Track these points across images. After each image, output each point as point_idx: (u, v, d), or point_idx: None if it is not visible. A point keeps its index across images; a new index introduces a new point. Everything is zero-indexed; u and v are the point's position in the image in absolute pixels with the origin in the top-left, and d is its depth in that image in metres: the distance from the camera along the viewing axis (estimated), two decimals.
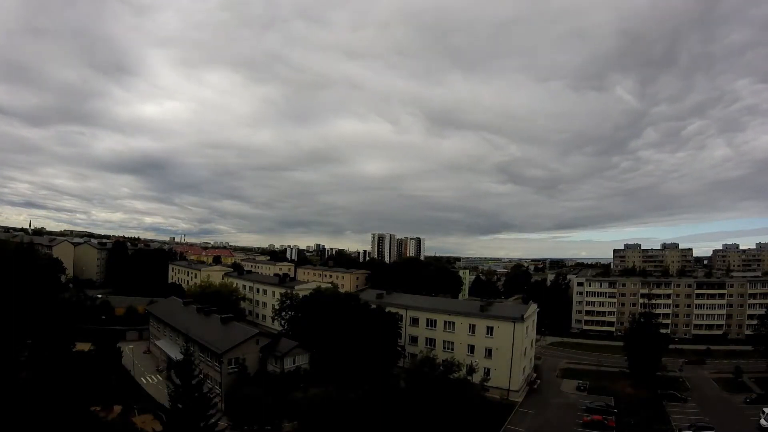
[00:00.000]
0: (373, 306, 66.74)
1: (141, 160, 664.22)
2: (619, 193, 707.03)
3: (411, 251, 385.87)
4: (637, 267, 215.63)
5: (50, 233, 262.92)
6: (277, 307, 77.68)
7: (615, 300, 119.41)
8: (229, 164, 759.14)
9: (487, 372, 59.05)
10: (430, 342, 68.61)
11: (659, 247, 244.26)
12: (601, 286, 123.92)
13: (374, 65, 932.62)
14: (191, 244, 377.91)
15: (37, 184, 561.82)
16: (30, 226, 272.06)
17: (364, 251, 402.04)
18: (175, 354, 51.45)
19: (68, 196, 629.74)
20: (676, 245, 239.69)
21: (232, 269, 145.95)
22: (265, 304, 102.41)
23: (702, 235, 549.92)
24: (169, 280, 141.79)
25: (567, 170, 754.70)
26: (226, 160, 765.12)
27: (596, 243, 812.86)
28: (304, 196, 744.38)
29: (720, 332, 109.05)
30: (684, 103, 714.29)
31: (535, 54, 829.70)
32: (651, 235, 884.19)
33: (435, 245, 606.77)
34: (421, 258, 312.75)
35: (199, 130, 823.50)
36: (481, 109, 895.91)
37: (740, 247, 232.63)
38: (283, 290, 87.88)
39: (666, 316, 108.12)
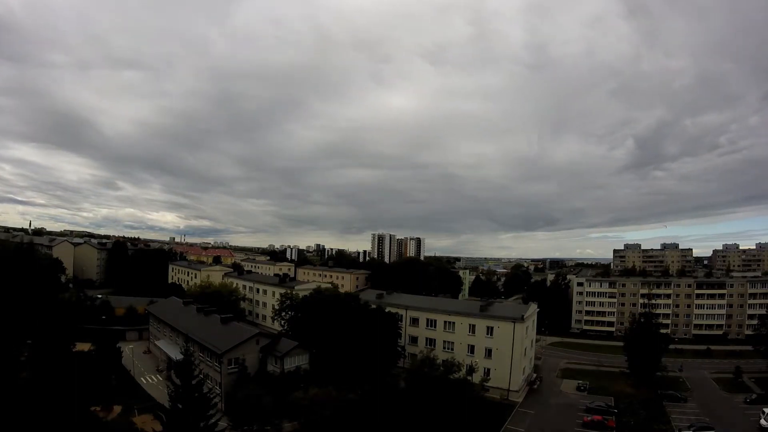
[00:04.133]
0: (373, 306, 66.77)
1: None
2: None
3: (411, 251, 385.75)
4: (637, 267, 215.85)
5: (50, 233, 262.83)
6: (277, 307, 77.64)
7: (615, 300, 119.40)
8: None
9: (487, 372, 59.16)
10: (430, 342, 68.56)
11: (659, 247, 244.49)
12: (601, 286, 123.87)
13: None
14: (191, 244, 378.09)
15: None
16: (30, 226, 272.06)
17: (364, 251, 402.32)
18: (175, 354, 51.44)
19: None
20: (676, 245, 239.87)
21: (232, 269, 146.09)
22: (265, 304, 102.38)
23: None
24: (169, 280, 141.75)
25: None
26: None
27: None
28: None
29: (720, 332, 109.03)
30: None
31: None
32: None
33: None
34: (421, 258, 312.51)
35: None
36: None
37: (740, 247, 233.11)
38: (283, 290, 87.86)
39: (666, 316, 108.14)
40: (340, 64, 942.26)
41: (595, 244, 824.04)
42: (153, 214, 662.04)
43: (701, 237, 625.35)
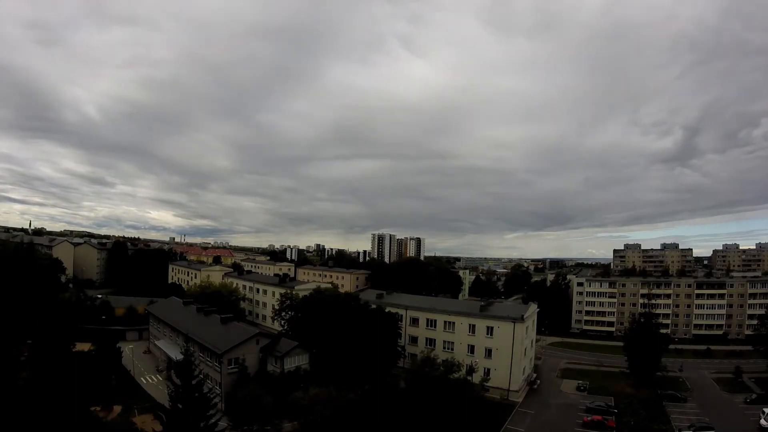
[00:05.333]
0: (373, 306, 66.76)
1: None
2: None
3: (411, 251, 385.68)
4: (637, 267, 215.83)
5: (50, 233, 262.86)
6: (277, 307, 77.61)
7: (615, 300, 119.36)
8: None
9: (487, 372, 59.16)
10: (430, 342, 68.57)
11: (659, 247, 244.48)
12: (601, 286, 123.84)
13: None
14: (191, 244, 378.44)
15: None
16: (30, 226, 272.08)
17: (364, 251, 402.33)
18: (175, 354, 51.44)
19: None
20: (676, 245, 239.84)
21: (232, 269, 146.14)
22: (265, 304, 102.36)
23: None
24: (169, 280, 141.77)
25: None
26: None
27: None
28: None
29: (720, 332, 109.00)
30: None
31: None
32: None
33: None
34: (421, 258, 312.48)
35: None
36: None
37: (740, 247, 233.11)
38: (283, 290, 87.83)
39: (666, 316, 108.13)
40: (361, 18, 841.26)
41: (600, 244, 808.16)
42: (151, 213, 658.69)
43: (709, 236, 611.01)
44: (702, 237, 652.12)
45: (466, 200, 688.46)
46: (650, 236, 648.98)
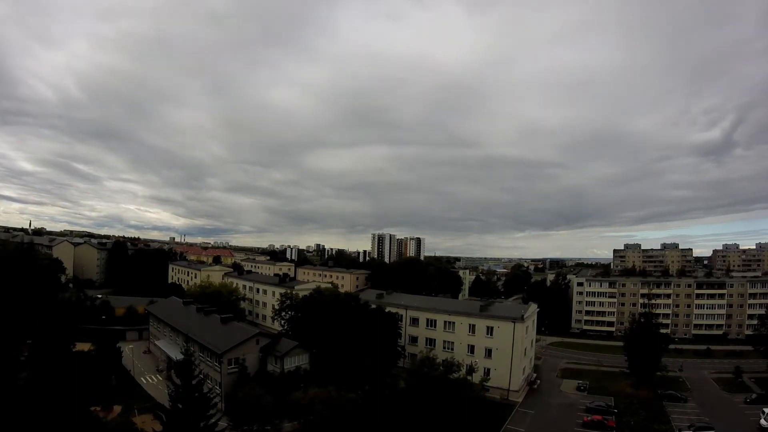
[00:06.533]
0: (373, 306, 66.77)
1: None
2: None
3: (411, 251, 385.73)
4: (637, 267, 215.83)
5: (50, 233, 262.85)
6: (277, 307, 77.61)
7: (615, 300, 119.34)
8: None
9: (487, 372, 59.16)
10: (430, 342, 68.56)
11: (659, 247, 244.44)
12: (601, 286, 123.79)
13: None
14: (191, 244, 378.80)
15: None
16: (30, 226, 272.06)
17: (364, 251, 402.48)
18: (175, 354, 51.47)
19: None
20: (676, 245, 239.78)
21: (232, 269, 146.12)
22: (265, 304, 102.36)
23: None
24: (169, 280, 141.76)
25: None
26: None
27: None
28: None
29: (720, 332, 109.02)
30: None
31: None
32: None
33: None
34: (421, 258, 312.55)
35: None
36: None
37: (740, 247, 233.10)
38: (283, 290, 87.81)
39: (666, 316, 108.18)
40: None
41: (604, 244, 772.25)
42: (150, 213, 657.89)
43: (720, 235, 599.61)
44: (713, 236, 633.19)
45: (479, 196, 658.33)
46: (657, 236, 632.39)
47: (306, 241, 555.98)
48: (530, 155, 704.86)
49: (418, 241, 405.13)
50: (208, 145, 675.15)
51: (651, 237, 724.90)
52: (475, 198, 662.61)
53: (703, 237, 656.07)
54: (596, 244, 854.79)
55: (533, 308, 72.07)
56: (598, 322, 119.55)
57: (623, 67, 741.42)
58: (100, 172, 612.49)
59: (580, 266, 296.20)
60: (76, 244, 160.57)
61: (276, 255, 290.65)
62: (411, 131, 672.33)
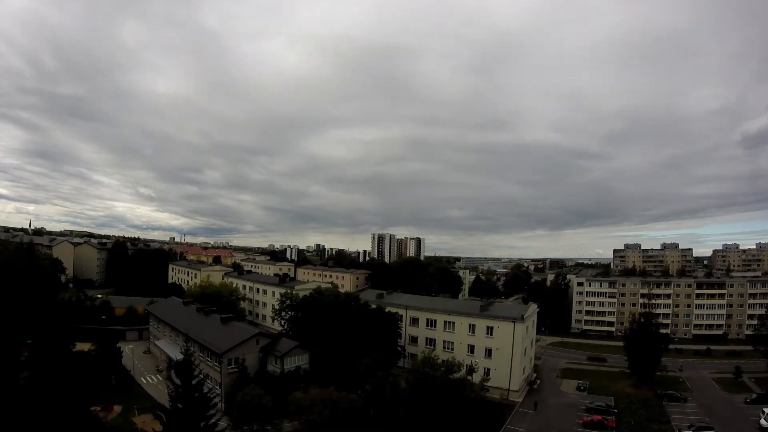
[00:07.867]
0: (373, 306, 66.77)
1: None
2: None
3: (411, 251, 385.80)
4: (637, 267, 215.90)
5: (50, 233, 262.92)
6: (277, 307, 77.54)
7: (615, 300, 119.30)
8: None
9: (487, 372, 59.16)
10: (430, 342, 68.57)
11: (659, 247, 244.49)
12: (601, 286, 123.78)
13: None
14: (191, 244, 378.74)
15: None
16: (30, 226, 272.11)
17: (364, 251, 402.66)
18: (175, 354, 51.47)
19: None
20: (676, 245, 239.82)
21: (232, 269, 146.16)
22: (265, 304, 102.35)
23: None
24: (169, 280, 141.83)
25: None
26: None
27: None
28: None
29: (720, 332, 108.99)
30: None
31: None
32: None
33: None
34: (421, 258, 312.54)
35: None
36: None
37: (740, 247, 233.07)
38: (283, 290, 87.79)
39: (666, 316, 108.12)
40: None
41: (609, 243, 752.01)
42: (150, 212, 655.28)
43: (736, 234, 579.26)
44: (728, 235, 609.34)
45: (499, 192, 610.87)
46: (668, 234, 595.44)
47: (306, 241, 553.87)
48: (566, 142, 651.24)
49: (418, 241, 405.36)
50: (202, 125, 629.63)
51: (661, 236, 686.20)
52: (493, 194, 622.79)
53: (715, 236, 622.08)
54: (600, 244, 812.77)
55: (533, 308, 72.08)
56: (598, 322, 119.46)
57: (688, 31, 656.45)
58: (90, 169, 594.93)
59: (580, 266, 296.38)
60: (76, 244, 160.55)
61: (276, 255, 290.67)
62: (442, 106, 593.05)
